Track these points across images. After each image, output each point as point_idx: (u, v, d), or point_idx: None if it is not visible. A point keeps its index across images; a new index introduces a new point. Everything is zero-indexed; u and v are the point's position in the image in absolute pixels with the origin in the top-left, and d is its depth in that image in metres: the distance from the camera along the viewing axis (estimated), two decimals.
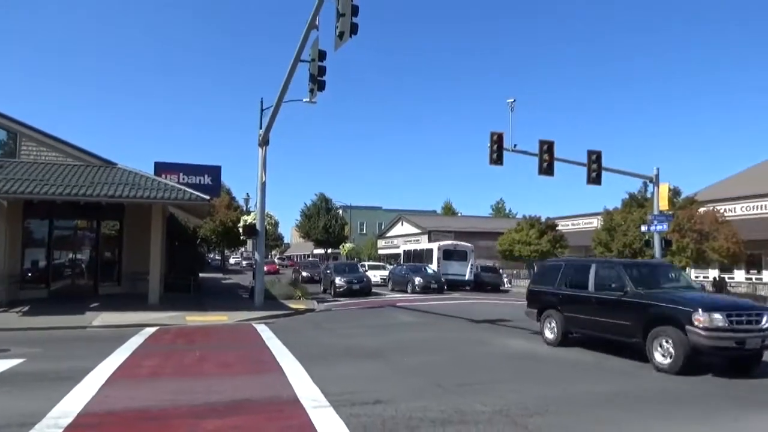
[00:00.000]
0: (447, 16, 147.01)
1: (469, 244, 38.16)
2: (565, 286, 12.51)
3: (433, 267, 34.72)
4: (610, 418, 6.54)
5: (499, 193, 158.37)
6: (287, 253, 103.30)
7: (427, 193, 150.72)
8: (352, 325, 16.04)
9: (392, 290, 32.06)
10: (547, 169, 24.07)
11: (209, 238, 56.00)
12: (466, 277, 34.89)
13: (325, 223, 67.35)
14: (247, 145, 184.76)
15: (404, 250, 45.64)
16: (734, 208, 34.15)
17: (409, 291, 30.31)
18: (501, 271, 41.65)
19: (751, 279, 33.30)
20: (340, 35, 12.98)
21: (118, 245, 22.78)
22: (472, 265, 35.73)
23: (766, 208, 33.58)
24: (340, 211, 72.69)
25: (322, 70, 15.21)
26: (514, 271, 46.11)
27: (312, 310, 20.09)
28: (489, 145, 23.73)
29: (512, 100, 24.76)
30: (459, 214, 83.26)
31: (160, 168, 22.41)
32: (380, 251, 69.30)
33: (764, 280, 32.52)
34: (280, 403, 7.02)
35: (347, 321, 17.30)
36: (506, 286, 39.16)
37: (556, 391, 7.90)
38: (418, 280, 30.60)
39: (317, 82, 15.22)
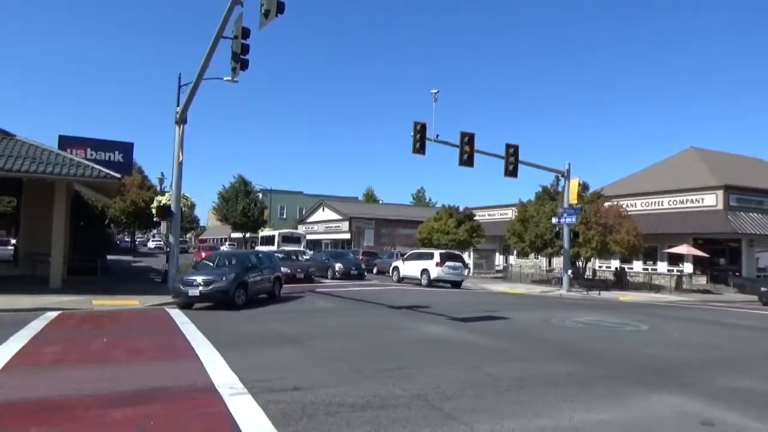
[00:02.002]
0: (376, 3, 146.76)
1: (302, 232, 51.86)
2: None
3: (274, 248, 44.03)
4: (523, 400, 6.83)
5: (420, 182, 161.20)
6: (203, 237, 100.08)
7: (350, 179, 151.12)
8: (271, 311, 15.80)
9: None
10: (467, 160, 24.74)
11: (119, 219, 53.17)
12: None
13: (243, 206, 65.79)
14: (163, 123, 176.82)
15: (261, 236, 54.38)
16: (635, 204, 36.56)
17: (329, 277, 30.29)
18: None
19: (647, 269, 35.91)
20: (266, 14, 12.64)
21: (15, 223, 21.14)
22: (304, 246, 45.77)
23: (662, 204, 36.23)
24: (260, 195, 71.23)
25: (245, 48, 14.73)
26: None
27: None
28: (412, 134, 24.05)
29: (436, 91, 25.17)
30: (380, 202, 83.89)
31: (66, 142, 20.96)
32: None
33: (659, 271, 35.16)
34: (195, 391, 6.81)
35: (265, 306, 17.00)
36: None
37: (474, 375, 8.16)
38: (338, 266, 30.63)
39: (240, 61, 14.73)
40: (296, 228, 70.59)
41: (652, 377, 8.48)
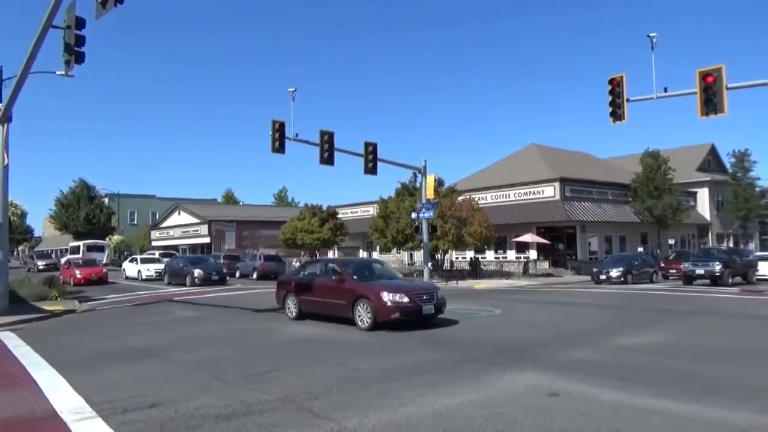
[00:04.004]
0: (228, 1, 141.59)
1: (104, 242, 56.72)
2: None
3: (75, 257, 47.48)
4: (389, 391, 6.99)
5: (282, 182, 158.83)
6: (39, 248, 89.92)
7: (207, 181, 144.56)
8: (123, 324, 14.62)
9: (169, 284, 30.07)
10: (327, 158, 24.78)
11: None
12: (104, 261, 47.34)
13: (87, 213, 60.44)
14: None
15: (69, 246, 56.51)
16: (486, 197, 39.19)
17: (188, 284, 28.73)
18: (304, 258, 42.07)
19: (498, 258, 38.70)
20: (103, 3, 11.65)
21: None
22: (107, 254, 52.49)
23: (509, 197, 39.22)
24: (106, 200, 65.79)
25: (80, 40, 13.41)
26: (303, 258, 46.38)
27: (73, 311, 17.83)
28: (271, 133, 23.63)
29: (293, 89, 24.89)
30: (241, 203, 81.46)
31: None
32: (155, 242, 64.52)
33: (508, 258, 38.05)
34: (33, 420, 6.07)
35: (116, 320, 15.72)
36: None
37: (341, 371, 8.20)
38: (197, 272, 29.14)
39: (74, 53, 13.38)
40: (149, 233, 66.37)
41: (505, 358, 9.13)
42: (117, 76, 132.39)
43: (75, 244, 55.10)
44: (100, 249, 52.81)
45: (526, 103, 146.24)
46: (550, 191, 36.78)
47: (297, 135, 24.44)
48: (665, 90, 17.32)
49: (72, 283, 29.23)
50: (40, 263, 48.58)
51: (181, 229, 60.93)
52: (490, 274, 34.12)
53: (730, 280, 25.85)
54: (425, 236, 28.94)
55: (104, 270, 33.30)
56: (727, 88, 15.81)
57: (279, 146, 23.74)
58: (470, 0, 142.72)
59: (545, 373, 7.91)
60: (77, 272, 30.55)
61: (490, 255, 39.08)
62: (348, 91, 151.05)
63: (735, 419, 5.71)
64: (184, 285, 28.75)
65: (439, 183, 33.52)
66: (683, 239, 45.48)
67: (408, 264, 41.31)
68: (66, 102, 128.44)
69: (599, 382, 7.30)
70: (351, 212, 50.20)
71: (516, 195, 38.80)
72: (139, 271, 34.54)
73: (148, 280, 33.21)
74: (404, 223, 32.06)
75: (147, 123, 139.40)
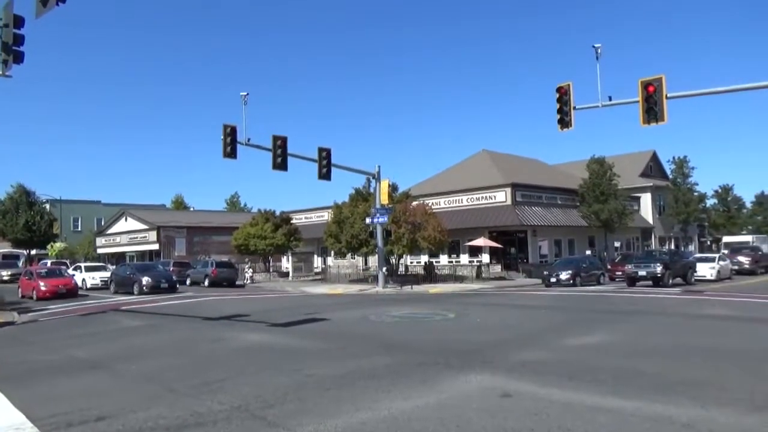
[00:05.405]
0: (179, 3, 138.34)
1: (21, 251, 54.91)
2: None
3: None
4: (344, 397, 6.96)
5: (234, 187, 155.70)
6: None
7: (155, 186, 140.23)
8: (66, 336, 14.05)
9: (116, 293, 29.11)
10: (280, 163, 24.60)
11: None
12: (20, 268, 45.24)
13: (26, 219, 57.81)
14: None
15: None
16: (439, 202, 39.66)
17: (136, 292, 27.86)
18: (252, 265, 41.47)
19: (452, 262, 39.17)
20: (44, 1, 11.24)
21: None
22: (23, 262, 49.52)
23: (462, 202, 39.81)
24: (47, 206, 63.12)
25: (18, 39, 12.89)
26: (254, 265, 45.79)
27: (12, 323, 17.03)
28: (222, 137, 23.30)
29: (245, 93, 24.60)
30: (192, 209, 79.70)
31: None
32: (100, 250, 62.38)
33: (462, 263, 38.57)
34: None
35: (59, 331, 15.09)
36: (251, 280, 38.64)
37: (295, 378, 8.11)
38: (146, 279, 28.31)
39: (12, 53, 12.86)
40: (94, 240, 64.17)
41: (459, 360, 9.23)
42: (57, 76, 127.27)
43: None
44: (16, 258, 51.29)
45: (476, 109, 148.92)
46: (501, 196, 37.52)
47: (249, 140, 24.16)
48: (610, 98, 17.94)
49: (35, 297, 25.94)
50: (4, 273, 42.62)
51: (129, 235, 59.12)
52: (444, 278, 34.48)
53: (670, 281, 26.92)
54: (379, 241, 29.05)
55: (74, 282, 28.85)
56: (667, 98, 16.55)
57: (231, 151, 23.42)
58: (421, 3, 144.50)
59: (498, 374, 8.05)
60: (42, 284, 26.52)
61: (444, 259, 39.52)
62: (301, 96, 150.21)
63: (676, 414, 5.95)
64: (132, 294, 27.87)
65: (392, 188, 33.69)
66: (628, 242, 47.22)
67: (363, 269, 41.30)
68: (2, 103, 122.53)
69: (550, 382, 7.48)
70: (305, 217, 49.89)
71: (468, 200, 39.41)
72: (84, 280, 33.25)
73: (94, 289, 32.07)
74: (358, 228, 32.06)
75: (90, 125, 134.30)
